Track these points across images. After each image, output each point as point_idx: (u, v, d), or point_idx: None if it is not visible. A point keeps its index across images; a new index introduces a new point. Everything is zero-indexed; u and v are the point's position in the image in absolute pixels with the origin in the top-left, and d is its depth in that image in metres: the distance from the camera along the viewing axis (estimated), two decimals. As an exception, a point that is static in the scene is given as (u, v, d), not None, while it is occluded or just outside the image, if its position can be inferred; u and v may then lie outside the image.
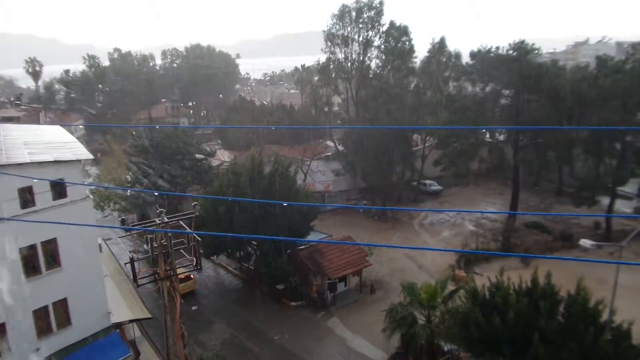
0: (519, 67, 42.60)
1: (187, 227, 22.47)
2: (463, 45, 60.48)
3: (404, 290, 27.22)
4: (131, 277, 22.15)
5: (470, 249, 41.44)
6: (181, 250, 22.33)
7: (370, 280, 37.10)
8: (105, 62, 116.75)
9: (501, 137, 51.98)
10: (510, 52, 44.89)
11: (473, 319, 21.42)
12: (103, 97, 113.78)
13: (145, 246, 29.79)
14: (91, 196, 27.38)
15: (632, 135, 41.20)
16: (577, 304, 19.96)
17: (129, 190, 45.67)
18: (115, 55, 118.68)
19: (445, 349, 25.92)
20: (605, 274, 28.53)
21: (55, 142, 25.61)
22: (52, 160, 21.18)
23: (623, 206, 50.85)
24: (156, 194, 43.13)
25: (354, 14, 56.50)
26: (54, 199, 21.25)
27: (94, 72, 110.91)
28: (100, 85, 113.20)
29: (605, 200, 45.92)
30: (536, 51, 46.75)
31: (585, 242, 23.67)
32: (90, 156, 24.96)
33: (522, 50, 44.74)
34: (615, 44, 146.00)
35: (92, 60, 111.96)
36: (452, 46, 56.10)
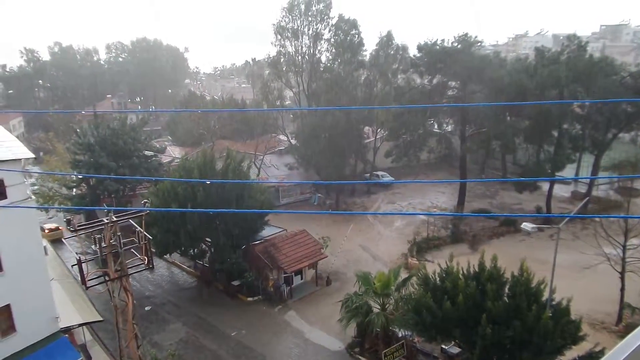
0: (463, 59, 43.99)
1: (137, 227, 21.96)
2: (410, 38, 61.90)
3: (359, 280, 27.76)
4: (79, 279, 21.45)
5: (421, 238, 42.61)
6: (132, 250, 21.81)
7: (326, 272, 37.52)
8: (45, 57, 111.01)
9: (449, 128, 53.62)
10: (455, 44, 46.27)
11: (425, 304, 22.18)
12: (44, 93, 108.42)
13: (93, 247, 28.88)
14: (33, 197, 26.18)
15: (568, 123, 43.62)
16: (520, 284, 21.06)
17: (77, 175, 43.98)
18: (56, 50, 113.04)
19: (400, 334, 26.68)
20: (545, 255, 30.23)
21: (-9, 141, 24.27)
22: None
23: (562, 190, 53.80)
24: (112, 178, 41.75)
25: (303, 7, 56.47)
26: (-8, 200, 20.22)
27: (33, 67, 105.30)
28: (40, 81, 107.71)
29: (545, 186, 48.45)
30: (479, 44, 48.46)
31: (527, 226, 24.97)
32: (31, 155, 23.86)
33: (466, 42, 46.24)
34: (552, 37, 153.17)
35: (30, 54, 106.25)
36: (400, 39, 57.35)
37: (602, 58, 45.24)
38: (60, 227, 45.70)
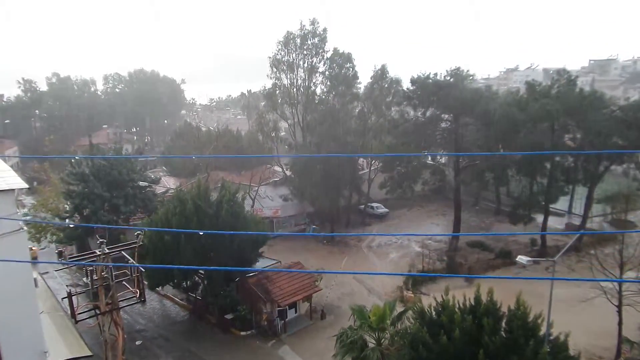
0: (456, 92, 44.72)
1: (129, 258, 21.73)
2: (403, 70, 63.08)
3: (354, 314, 27.33)
4: (69, 312, 21.04)
5: (417, 270, 42.32)
6: (123, 282, 21.53)
7: (320, 306, 37.02)
8: (43, 87, 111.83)
9: (442, 160, 54.02)
10: (448, 78, 47.13)
11: (421, 339, 21.80)
12: (40, 123, 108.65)
13: (84, 279, 28.43)
14: (25, 227, 25.87)
15: (560, 155, 44.08)
16: (517, 319, 20.79)
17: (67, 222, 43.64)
18: (54, 80, 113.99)
19: (396, 370, 26.10)
20: (542, 288, 29.96)
21: (-15, 172, 24.13)
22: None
23: (556, 223, 53.89)
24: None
25: (298, 40, 57.65)
26: (-17, 232, 19.92)
27: (31, 97, 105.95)
28: (37, 111, 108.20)
29: (539, 218, 48.56)
30: (471, 77, 49.44)
31: (522, 259, 24.89)
32: (25, 185, 23.69)
33: (459, 76, 47.12)
34: (543, 70, 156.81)
35: (28, 84, 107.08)
36: (393, 72, 58.29)
37: (592, 92, 46.09)
38: (33, 247, 44.22)
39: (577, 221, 52.89)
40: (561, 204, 54.57)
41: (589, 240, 46.48)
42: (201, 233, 29.97)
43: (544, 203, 45.23)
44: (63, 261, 42.14)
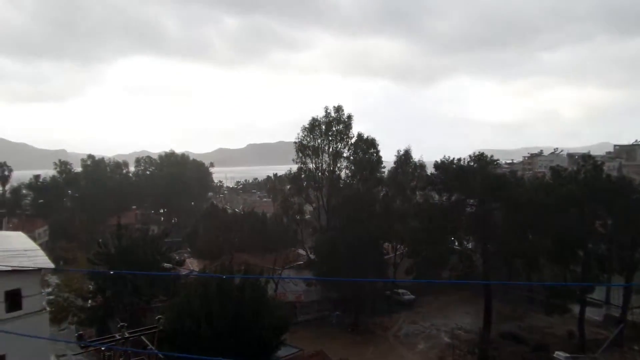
0: (480, 177, 44.72)
1: (148, 343, 21.21)
2: (426, 154, 63.91)
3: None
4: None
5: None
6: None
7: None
8: (78, 168, 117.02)
9: (470, 245, 52.83)
10: (471, 163, 47.38)
11: None
12: (72, 203, 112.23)
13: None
14: (48, 308, 25.75)
15: (593, 243, 42.67)
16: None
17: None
18: (89, 162, 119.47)
19: None
20: (584, 387, 27.78)
21: (15, 249, 24.70)
22: (9, 269, 20.27)
23: (594, 314, 50.88)
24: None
25: (323, 127, 59.63)
26: (7, 310, 20.01)
27: (65, 178, 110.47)
28: (69, 191, 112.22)
29: (576, 309, 46.04)
30: (495, 162, 49.60)
31: (560, 355, 23.28)
32: (52, 265, 24.07)
33: (482, 161, 47.36)
34: (567, 155, 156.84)
35: (63, 166, 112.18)
36: (416, 155, 59.14)
37: (620, 178, 45.55)
38: None
39: (616, 312, 49.84)
40: (598, 293, 51.96)
41: (631, 333, 43.53)
42: None
43: (579, 292, 43.08)
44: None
